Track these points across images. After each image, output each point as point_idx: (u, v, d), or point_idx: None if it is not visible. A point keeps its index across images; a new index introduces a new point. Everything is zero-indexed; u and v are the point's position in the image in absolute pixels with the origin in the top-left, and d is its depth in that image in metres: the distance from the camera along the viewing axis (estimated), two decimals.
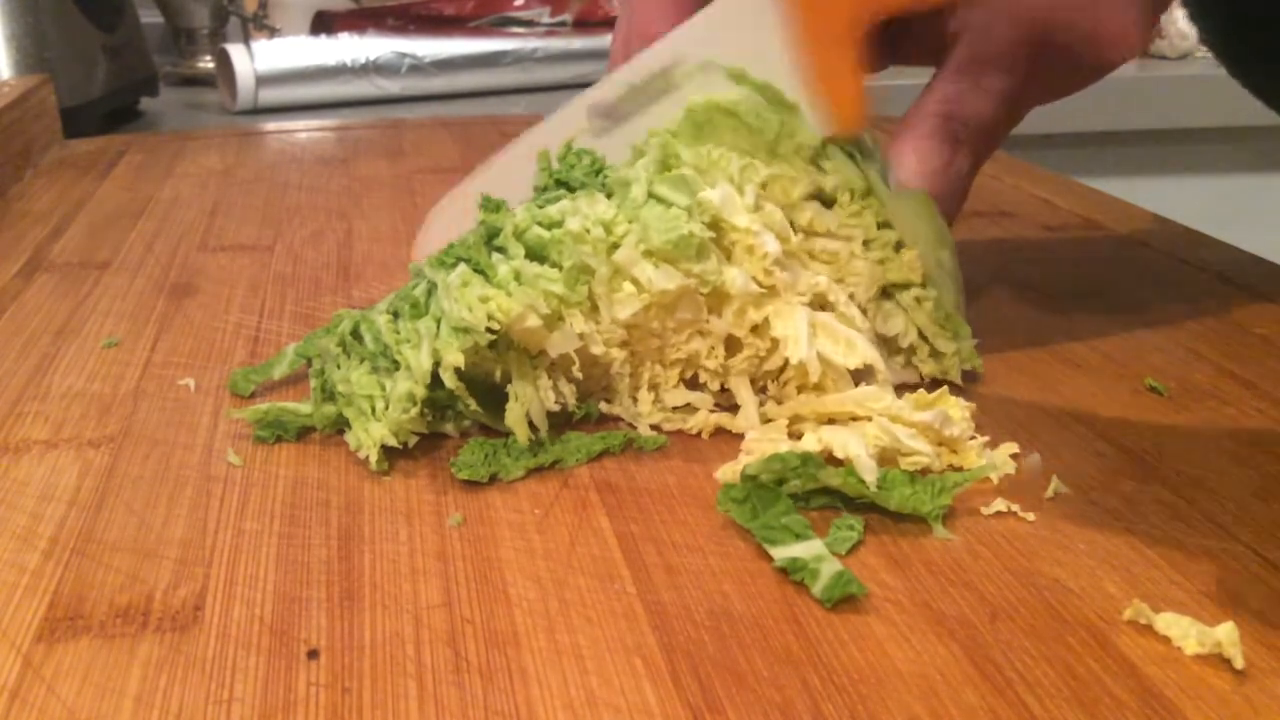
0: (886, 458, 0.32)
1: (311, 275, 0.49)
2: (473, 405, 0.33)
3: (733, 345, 0.35)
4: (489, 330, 0.31)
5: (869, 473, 0.30)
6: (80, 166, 0.67)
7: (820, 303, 0.35)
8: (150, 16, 1.05)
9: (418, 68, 1.01)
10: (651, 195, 0.34)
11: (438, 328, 0.32)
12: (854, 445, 0.31)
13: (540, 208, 0.35)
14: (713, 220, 0.34)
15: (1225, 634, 0.25)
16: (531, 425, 0.33)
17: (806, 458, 0.30)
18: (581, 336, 0.33)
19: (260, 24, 1.10)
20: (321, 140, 0.75)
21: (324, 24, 1.10)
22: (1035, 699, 0.24)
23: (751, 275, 0.34)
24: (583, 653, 0.25)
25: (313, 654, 0.25)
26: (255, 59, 0.94)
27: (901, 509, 0.30)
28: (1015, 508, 0.31)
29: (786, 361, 0.34)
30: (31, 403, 0.37)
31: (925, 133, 0.38)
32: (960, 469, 0.32)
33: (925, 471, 0.32)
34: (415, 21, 1.10)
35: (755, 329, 0.35)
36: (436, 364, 0.32)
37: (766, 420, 0.35)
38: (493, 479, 0.32)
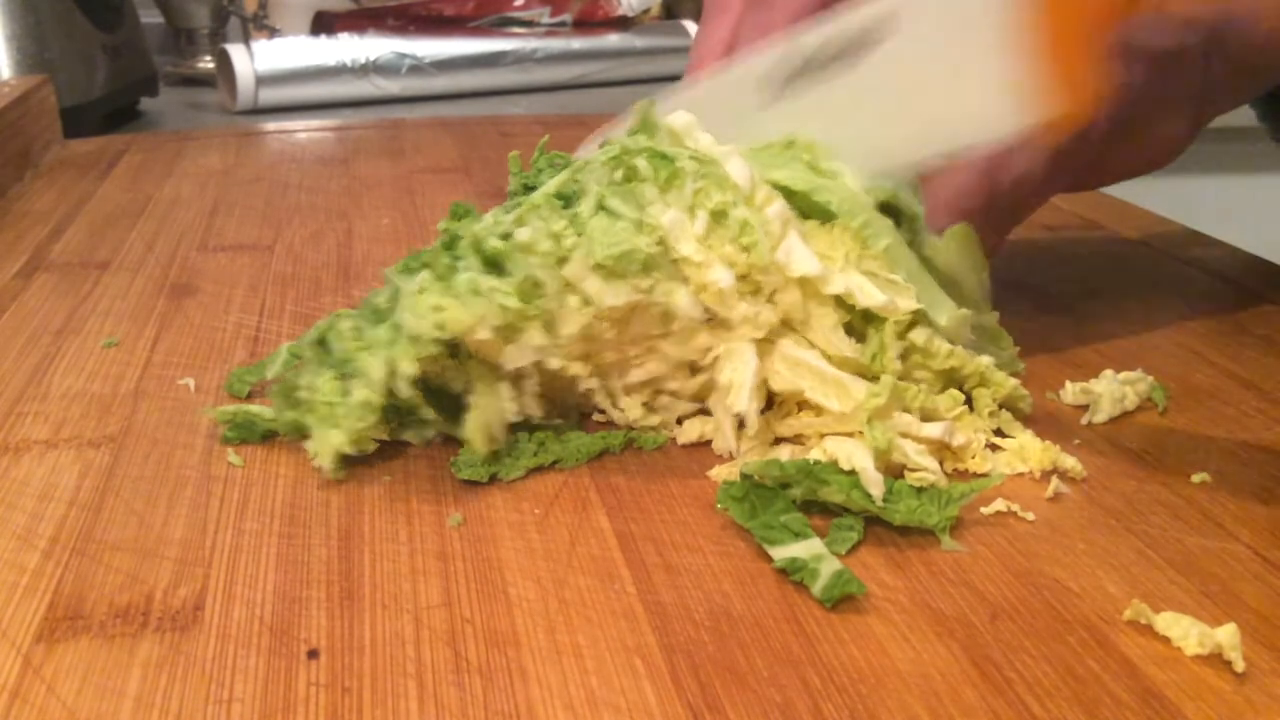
0: (891, 468, 0.31)
1: (311, 275, 0.49)
2: (430, 414, 0.32)
3: (699, 367, 0.34)
4: (439, 340, 0.31)
5: (876, 486, 0.30)
6: (80, 166, 0.67)
7: (788, 325, 0.34)
8: (150, 16, 1.05)
9: (418, 68, 1.01)
10: (601, 208, 0.33)
11: (395, 336, 0.31)
12: (860, 457, 0.30)
13: (506, 213, 0.34)
14: (660, 240, 0.33)
15: (1226, 636, 0.25)
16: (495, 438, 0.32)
17: (807, 468, 0.30)
18: (539, 350, 0.32)
19: (260, 24, 1.10)
20: (321, 140, 0.75)
21: (324, 24, 1.10)
22: (1035, 699, 0.24)
23: (706, 304, 0.33)
24: (583, 653, 0.25)
25: (313, 654, 0.25)
26: (255, 59, 0.94)
27: (908, 523, 0.29)
28: (1015, 508, 0.31)
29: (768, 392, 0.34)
30: (31, 403, 0.37)
31: (967, 173, 0.37)
32: (964, 473, 0.32)
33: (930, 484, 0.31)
34: (415, 21, 1.10)
35: (709, 355, 0.34)
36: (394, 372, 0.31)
37: (758, 436, 0.34)
38: (493, 479, 0.32)
